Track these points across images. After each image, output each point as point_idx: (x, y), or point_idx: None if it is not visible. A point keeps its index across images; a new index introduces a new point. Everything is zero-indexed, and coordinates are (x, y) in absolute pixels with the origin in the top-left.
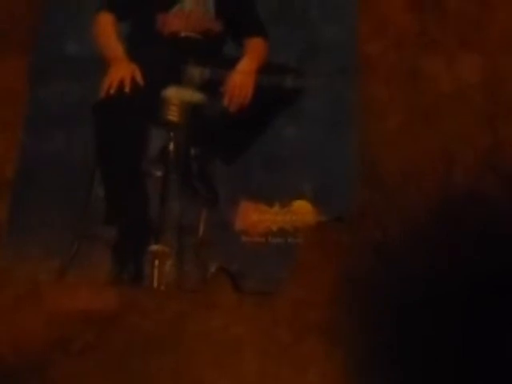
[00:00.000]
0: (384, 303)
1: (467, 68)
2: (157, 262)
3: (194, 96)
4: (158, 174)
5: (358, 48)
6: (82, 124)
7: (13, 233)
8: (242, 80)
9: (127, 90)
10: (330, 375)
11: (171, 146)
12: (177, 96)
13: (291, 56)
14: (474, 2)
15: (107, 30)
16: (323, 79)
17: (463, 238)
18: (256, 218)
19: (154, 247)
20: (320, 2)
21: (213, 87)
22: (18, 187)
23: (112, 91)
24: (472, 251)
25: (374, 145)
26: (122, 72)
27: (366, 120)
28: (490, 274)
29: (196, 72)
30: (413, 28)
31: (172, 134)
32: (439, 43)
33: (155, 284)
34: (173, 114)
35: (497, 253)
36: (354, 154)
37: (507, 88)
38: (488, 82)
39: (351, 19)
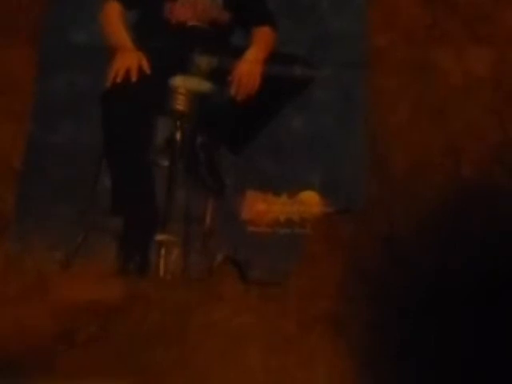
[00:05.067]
0: (391, 295)
1: (477, 61)
2: (163, 252)
3: (201, 85)
4: (165, 163)
5: (367, 40)
6: (89, 114)
7: (19, 223)
8: (249, 69)
9: (134, 78)
10: (337, 367)
11: (178, 136)
12: (184, 85)
13: (301, 47)
14: None
15: (114, 18)
16: (332, 69)
17: (471, 231)
18: (263, 208)
19: (161, 236)
20: None
21: (220, 76)
22: (25, 178)
23: (118, 80)
24: (480, 245)
25: (382, 137)
26: (129, 61)
27: (374, 112)
28: (497, 268)
29: (203, 61)
30: (423, 20)
31: (179, 123)
32: (449, 36)
33: (161, 273)
34: (180, 103)
35: (505, 247)
36: (362, 146)
37: None
38: (498, 75)
39: (361, 10)
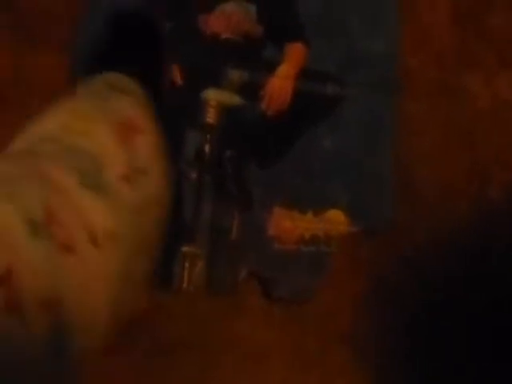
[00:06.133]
0: (412, 316)
1: (506, 86)
2: (187, 264)
3: (232, 99)
4: (193, 175)
5: (398, 61)
6: None
7: None
8: (280, 84)
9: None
10: None
11: (207, 148)
12: (215, 98)
13: (330, 64)
14: None
15: None
16: (362, 88)
17: (496, 256)
18: (289, 224)
19: (186, 248)
20: (361, 13)
21: (251, 91)
22: None
23: None
24: (505, 269)
25: (410, 159)
26: None
27: (403, 134)
28: None
29: (235, 75)
30: (453, 44)
31: (208, 136)
32: (479, 60)
33: (185, 285)
34: (210, 116)
35: None
36: (390, 167)
37: None
38: None
39: (392, 31)
